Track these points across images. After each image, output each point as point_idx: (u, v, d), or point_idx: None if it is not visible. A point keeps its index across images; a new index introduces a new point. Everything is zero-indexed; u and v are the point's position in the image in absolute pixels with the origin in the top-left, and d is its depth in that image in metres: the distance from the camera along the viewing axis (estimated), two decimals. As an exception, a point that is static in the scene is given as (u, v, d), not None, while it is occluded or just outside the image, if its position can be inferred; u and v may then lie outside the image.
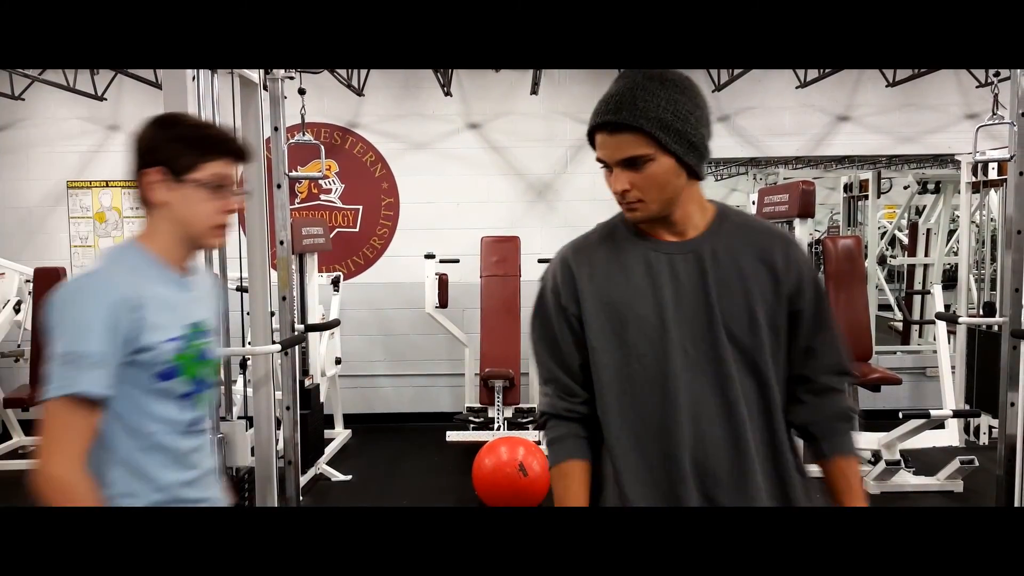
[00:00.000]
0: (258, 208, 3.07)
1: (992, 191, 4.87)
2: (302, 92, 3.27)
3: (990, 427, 4.55)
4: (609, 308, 1.18)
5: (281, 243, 3.12)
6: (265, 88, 3.11)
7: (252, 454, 3.10)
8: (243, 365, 3.27)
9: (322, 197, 5.49)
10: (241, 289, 3.50)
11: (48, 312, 1.16)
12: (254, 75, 3.04)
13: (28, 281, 4.73)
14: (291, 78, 3.12)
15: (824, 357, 1.21)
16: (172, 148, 1.23)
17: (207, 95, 2.79)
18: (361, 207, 5.47)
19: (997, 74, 3.91)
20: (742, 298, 1.15)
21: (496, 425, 4.70)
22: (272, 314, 3.21)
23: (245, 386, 3.17)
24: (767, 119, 5.42)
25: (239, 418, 3.11)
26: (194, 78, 2.66)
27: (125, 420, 1.20)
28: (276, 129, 3.08)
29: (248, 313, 3.13)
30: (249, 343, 3.12)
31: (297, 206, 5.46)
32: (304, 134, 3.43)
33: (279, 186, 3.07)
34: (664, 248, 1.19)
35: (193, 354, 1.27)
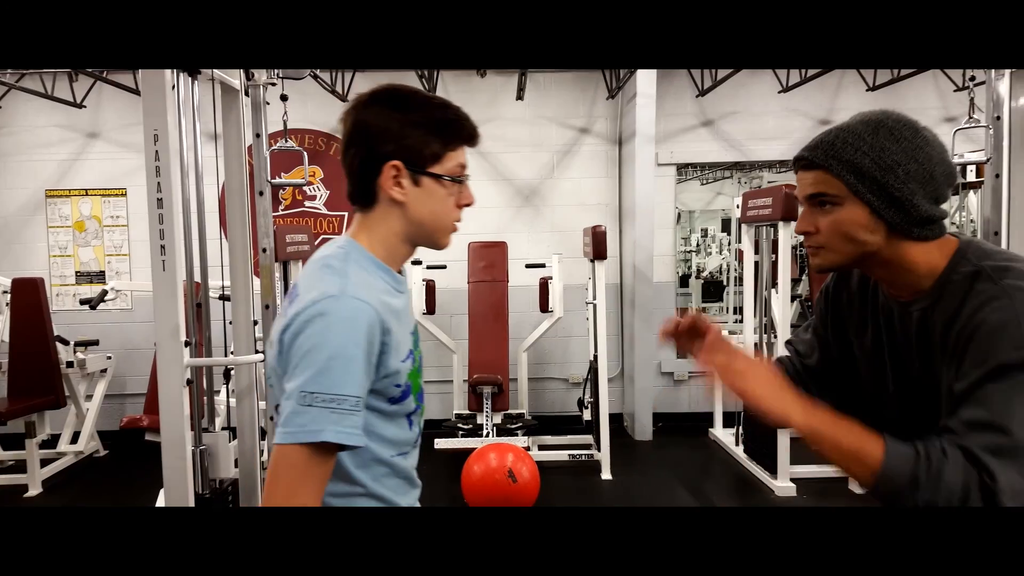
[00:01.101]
0: (240, 216, 3.03)
1: (971, 192, 4.93)
2: (284, 98, 3.23)
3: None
4: (847, 340, 1.21)
5: (264, 251, 3.08)
6: (247, 94, 3.08)
7: (236, 465, 3.05)
8: (227, 375, 3.22)
9: (307, 204, 5.45)
10: (223, 298, 3.46)
11: (291, 339, 0.98)
12: (235, 81, 3.00)
13: (5, 292, 4.66)
14: (273, 84, 3.08)
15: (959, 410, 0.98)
16: (413, 137, 1.05)
17: (187, 102, 2.76)
18: (347, 214, 5.43)
19: (973, 78, 3.96)
20: (934, 371, 1.05)
21: (485, 431, 4.68)
22: (255, 323, 3.17)
23: (228, 396, 3.13)
24: (751, 123, 5.46)
25: (222, 429, 3.06)
26: (174, 87, 2.62)
27: (366, 451, 1.06)
28: (258, 136, 3.04)
29: (231, 322, 3.09)
30: (232, 353, 3.07)
31: (281, 213, 5.42)
32: (286, 140, 3.39)
33: (261, 193, 3.03)
34: (890, 303, 1.13)
35: (417, 367, 1.13)
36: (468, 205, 1.13)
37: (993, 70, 3.28)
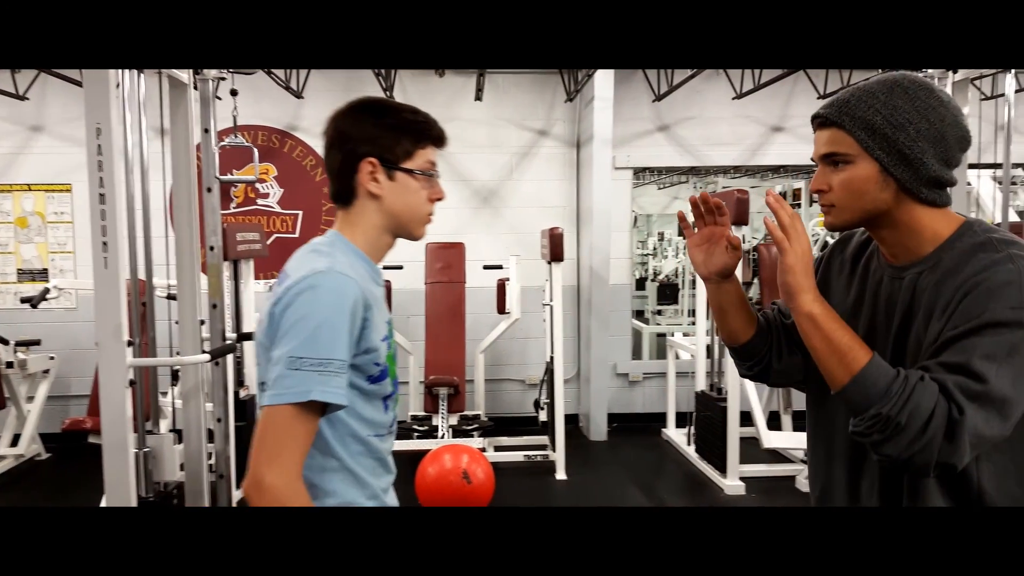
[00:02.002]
0: (187, 213, 2.96)
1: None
2: (234, 93, 3.18)
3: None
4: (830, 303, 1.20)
5: (212, 249, 3.02)
6: (195, 88, 3.01)
7: (181, 468, 2.98)
8: (175, 376, 3.15)
9: (259, 202, 5.35)
10: (170, 297, 3.38)
11: (282, 310, 1.07)
12: (184, 75, 2.94)
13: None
14: (223, 79, 3.03)
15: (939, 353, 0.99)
16: (386, 137, 1.17)
17: (133, 95, 2.69)
18: (301, 212, 5.36)
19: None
20: (907, 333, 1.06)
21: (440, 433, 4.66)
22: (202, 322, 3.10)
23: (173, 399, 3.06)
24: (705, 129, 5.55)
25: (170, 431, 2.99)
26: (118, 84, 2.56)
27: (344, 425, 1.14)
28: (206, 131, 2.98)
29: (177, 322, 3.02)
30: (178, 353, 3.00)
31: (233, 211, 5.32)
32: (236, 136, 3.33)
33: (209, 190, 2.98)
34: (882, 269, 1.13)
35: (393, 352, 1.22)
36: (439, 199, 1.23)
37: (935, 81, 3.38)
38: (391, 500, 1.27)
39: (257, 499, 1.03)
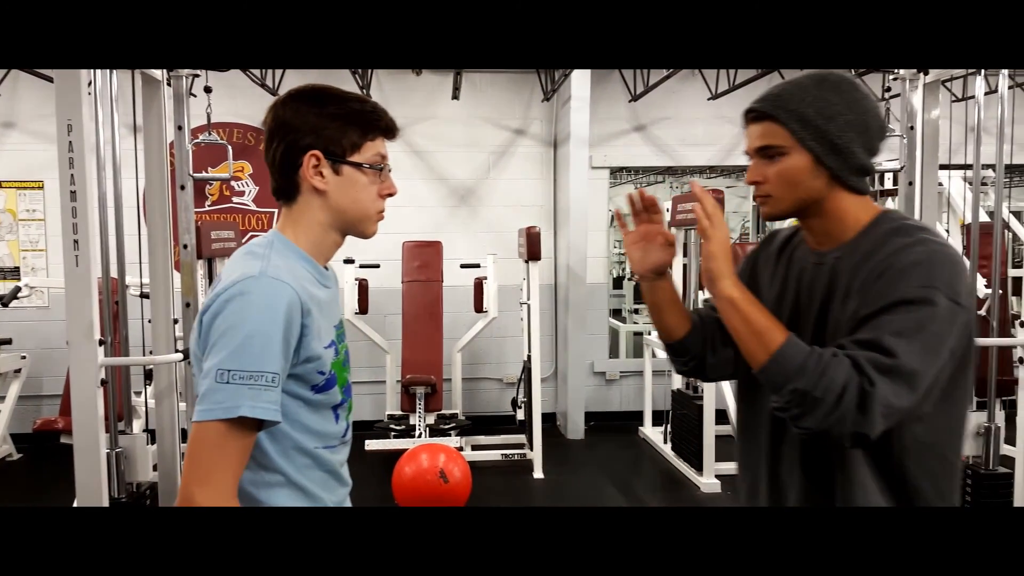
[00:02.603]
0: (160, 210, 2.94)
1: (888, 199, 5.18)
2: (208, 90, 3.16)
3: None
4: (758, 296, 1.24)
5: (185, 247, 2.99)
6: (169, 84, 2.99)
7: (155, 469, 2.96)
8: (148, 376, 3.12)
9: (235, 200, 5.31)
10: (143, 295, 3.34)
11: (211, 319, 1.00)
12: (157, 72, 2.91)
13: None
14: (197, 76, 3.00)
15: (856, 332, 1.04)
16: (331, 128, 1.08)
17: (105, 93, 2.66)
18: (276, 210, 5.32)
19: (888, 90, 4.18)
20: (845, 319, 1.08)
21: (418, 432, 4.66)
22: (176, 321, 3.08)
23: (147, 398, 3.03)
24: (681, 129, 5.60)
25: (144, 431, 2.96)
26: (90, 81, 2.53)
27: (287, 438, 1.07)
28: (180, 128, 2.96)
29: (150, 320, 2.99)
30: (151, 352, 2.98)
31: (208, 209, 5.27)
32: (210, 133, 3.31)
33: (183, 187, 2.95)
34: (806, 257, 1.19)
35: (342, 359, 1.15)
36: (390, 195, 1.16)
37: (907, 83, 3.46)
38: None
39: None
